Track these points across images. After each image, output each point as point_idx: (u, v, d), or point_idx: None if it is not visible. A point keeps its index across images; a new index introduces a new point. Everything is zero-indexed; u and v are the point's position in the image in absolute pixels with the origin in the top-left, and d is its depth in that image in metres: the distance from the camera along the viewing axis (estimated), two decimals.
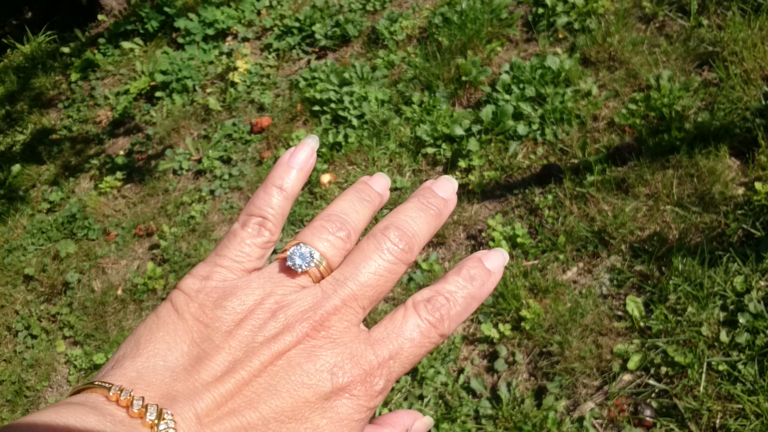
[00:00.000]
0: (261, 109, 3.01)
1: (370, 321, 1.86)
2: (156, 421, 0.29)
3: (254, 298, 0.36)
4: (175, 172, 2.95)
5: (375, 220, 2.23)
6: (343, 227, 0.39)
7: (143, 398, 0.30)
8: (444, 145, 2.40)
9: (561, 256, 1.97)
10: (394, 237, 0.38)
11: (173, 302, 0.36)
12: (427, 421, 0.39)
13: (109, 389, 0.30)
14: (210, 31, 3.47)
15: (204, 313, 0.35)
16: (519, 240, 2.02)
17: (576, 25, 2.56)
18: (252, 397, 0.32)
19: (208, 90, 3.24)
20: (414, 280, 2.09)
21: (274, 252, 0.44)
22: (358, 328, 0.36)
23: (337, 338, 0.35)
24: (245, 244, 0.38)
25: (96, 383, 0.31)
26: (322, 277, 0.37)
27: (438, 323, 0.36)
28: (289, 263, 0.36)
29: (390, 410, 1.85)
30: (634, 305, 1.78)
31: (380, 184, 0.43)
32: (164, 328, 0.34)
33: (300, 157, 0.41)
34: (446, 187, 0.42)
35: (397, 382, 1.89)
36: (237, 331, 0.34)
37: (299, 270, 0.36)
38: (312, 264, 0.37)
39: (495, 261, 0.39)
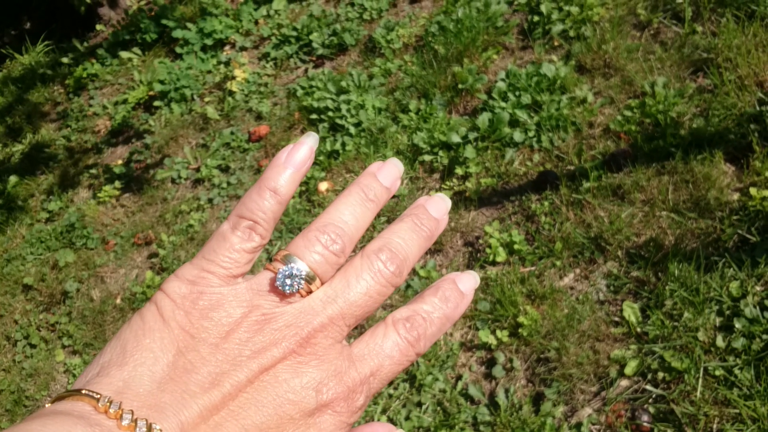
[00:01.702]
0: (259, 117, 3.03)
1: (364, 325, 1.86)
2: None
3: (241, 310, 0.35)
4: (173, 180, 2.96)
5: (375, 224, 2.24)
6: (338, 239, 0.38)
7: (132, 411, 0.30)
8: (441, 153, 2.41)
9: (558, 263, 1.98)
10: (386, 259, 0.38)
11: (158, 306, 0.35)
12: None
13: (98, 400, 0.30)
14: (208, 41, 3.49)
15: (190, 323, 0.35)
16: (516, 246, 2.03)
17: (571, 33, 2.58)
18: (237, 411, 0.32)
19: (206, 99, 3.25)
20: (412, 287, 2.09)
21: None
22: (341, 345, 0.36)
23: (322, 355, 0.35)
24: (234, 250, 0.37)
25: (83, 392, 0.31)
26: (311, 292, 0.37)
27: (415, 342, 0.37)
28: (277, 284, 0.36)
29: (389, 417, 1.85)
30: (630, 311, 1.79)
31: (390, 176, 0.42)
32: (150, 335, 0.34)
33: (297, 157, 0.40)
34: (439, 206, 0.42)
35: (395, 389, 1.90)
36: (223, 344, 0.34)
37: (287, 291, 0.36)
38: (301, 285, 0.36)
39: (467, 283, 0.40)
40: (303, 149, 0.40)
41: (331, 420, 0.34)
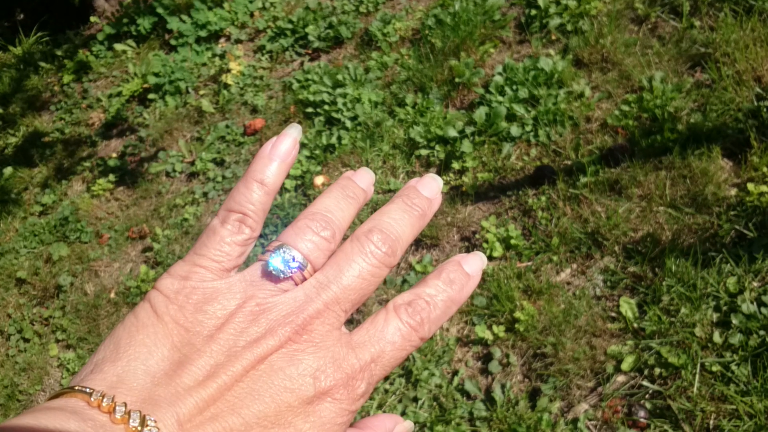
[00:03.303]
0: (254, 110, 3.01)
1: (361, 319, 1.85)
2: (139, 428, 0.29)
3: (235, 302, 0.35)
4: (168, 174, 2.94)
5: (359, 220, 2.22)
6: (327, 226, 0.38)
7: (126, 404, 0.30)
8: (437, 147, 2.40)
9: (555, 258, 1.97)
10: (377, 240, 0.37)
11: (152, 303, 0.35)
12: (408, 425, 0.39)
13: (91, 395, 0.30)
14: (203, 33, 3.47)
15: (184, 317, 0.34)
16: (513, 241, 2.02)
17: (569, 27, 2.57)
18: (234, 402, 0.32)
19: (201, 92, 3.23)
20: (408, 282, 2.09)
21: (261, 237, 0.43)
22: (340, 332, 0.36)
23: (319, 342, 0.34)
24: (225, 243, 0.37)
25: (76, 388, 0.31)
26: (305, 279, 0.37)
27: (419, 327, 0.36)
28: (270, 268, 0.36)
29: (384, 413, 1.84)
30: (627, 306, 1.79)
31: (364, 179, 0.42)
32: (144, 330, 0.34)
33: (282, 149, 0.40)
34: (431, 186, 0.41)
35: (391, 384, 1.89)
36: (218, 335, 0.34)
37: (281, 276, 0.36)
38: (294, 269, 0.36)
39: (474, 265, 0.39)
40: (287, 141, 0.40)
41: (331, 407, 0.33)
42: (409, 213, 0.39)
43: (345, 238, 0.39)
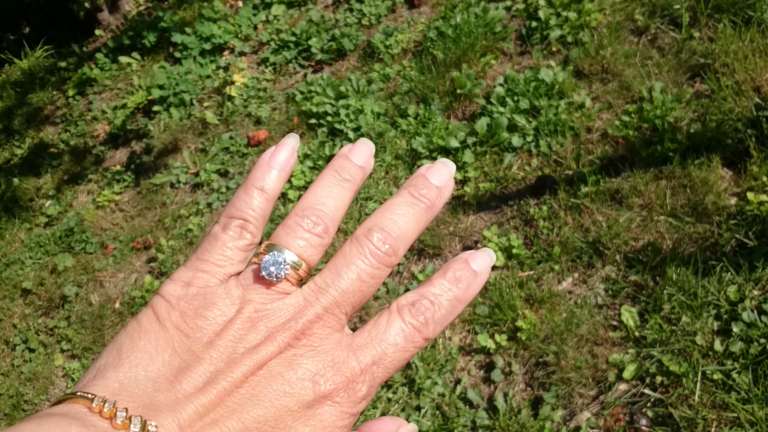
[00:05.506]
0: (258, 122, 3.03)
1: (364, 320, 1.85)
2: None
3: (235, 308, 0.35)
4: (172, 185, 2.96)
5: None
6: (319, 221, 0.38)
7: (126, 409, 0.30)
8: (440, 157, 2.41)
9: (556, 267, 1.98)
10: (377, 240, 0.37)
11: (154, 309, 0.36)
12: (411, 428, 0.39)
13: (92, 400, 0.30)
14: (207, 46, 3.50)
15: (185, 323, 0.35)
16: (514, 251, 2.04)
17: (569, 38, 2.59)
18: (234, 407, 0.32)
19: (205, 104, 3.26)
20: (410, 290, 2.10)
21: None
22: (341, 334, 0.36)
23: (318, 346, 0.35)
24: (227, 248, 0.37)
25: (78, 394, 0.31)
26: (302, 278, 0.37)
27: (422, 327, 0.36)
28: (263, 273, 0.36)
29: (388, 416, 1.85)
30: (628, 315, 1.80)
31: (361, 155, 0.41)
32: (145, 336, 0.34)
33: (280, 157, 0.40)
34: (441, 173, 0.40)
35: (394, 392, 1.90)
36: (218, 342, 0.34)
37: (274, 280, 0.36)
38: (287, 271, 0.36)
39: (481, 262, 0.38)
40: (286, 149, 0.41)
41: (331, 411, 0.34)
42: (414, 207, 0.38)
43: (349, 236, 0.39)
